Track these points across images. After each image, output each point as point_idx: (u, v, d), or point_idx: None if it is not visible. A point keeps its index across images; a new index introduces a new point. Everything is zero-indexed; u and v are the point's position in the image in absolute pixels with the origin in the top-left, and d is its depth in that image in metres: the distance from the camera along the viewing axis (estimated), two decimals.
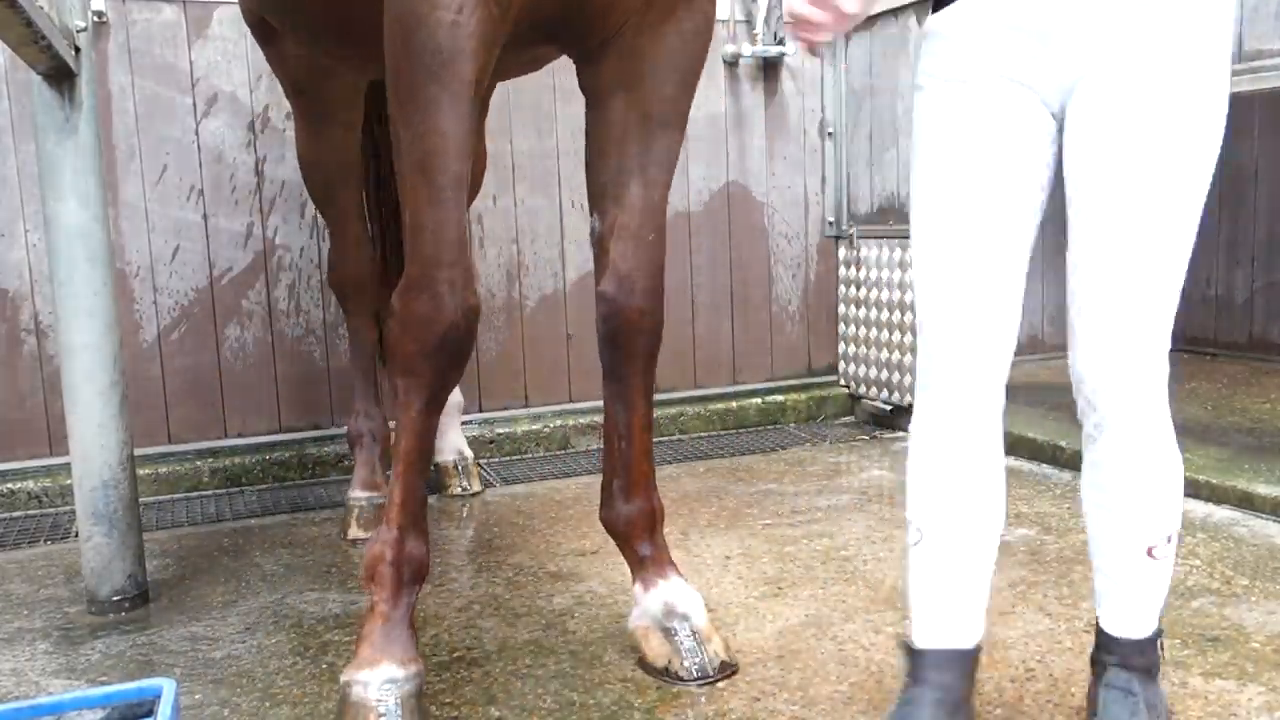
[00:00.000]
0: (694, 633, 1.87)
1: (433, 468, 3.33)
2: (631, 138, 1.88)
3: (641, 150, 1.88)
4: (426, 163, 1.62)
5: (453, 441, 3.21)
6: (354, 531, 2.76)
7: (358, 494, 2.81)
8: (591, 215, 1.96)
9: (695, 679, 1.83)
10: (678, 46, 1.87)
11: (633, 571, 1.96)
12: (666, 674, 1.85)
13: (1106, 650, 1.55)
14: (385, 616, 1.68)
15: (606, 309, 1.88)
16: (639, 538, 1.95)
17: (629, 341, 1.88)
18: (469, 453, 3.23)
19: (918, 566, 1.53)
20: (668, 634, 1.87)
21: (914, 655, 1.53)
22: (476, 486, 3.19)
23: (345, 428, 3.01)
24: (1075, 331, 1.49)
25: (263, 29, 2.60)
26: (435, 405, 1.70)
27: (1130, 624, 1.53)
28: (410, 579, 1.71)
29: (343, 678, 1.67)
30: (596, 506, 2.96)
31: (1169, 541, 1.56)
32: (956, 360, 1.47)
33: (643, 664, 1.90)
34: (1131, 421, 1.53)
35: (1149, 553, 1.53)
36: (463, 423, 3.29)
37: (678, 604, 1.89)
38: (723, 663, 1.86)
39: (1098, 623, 1.57)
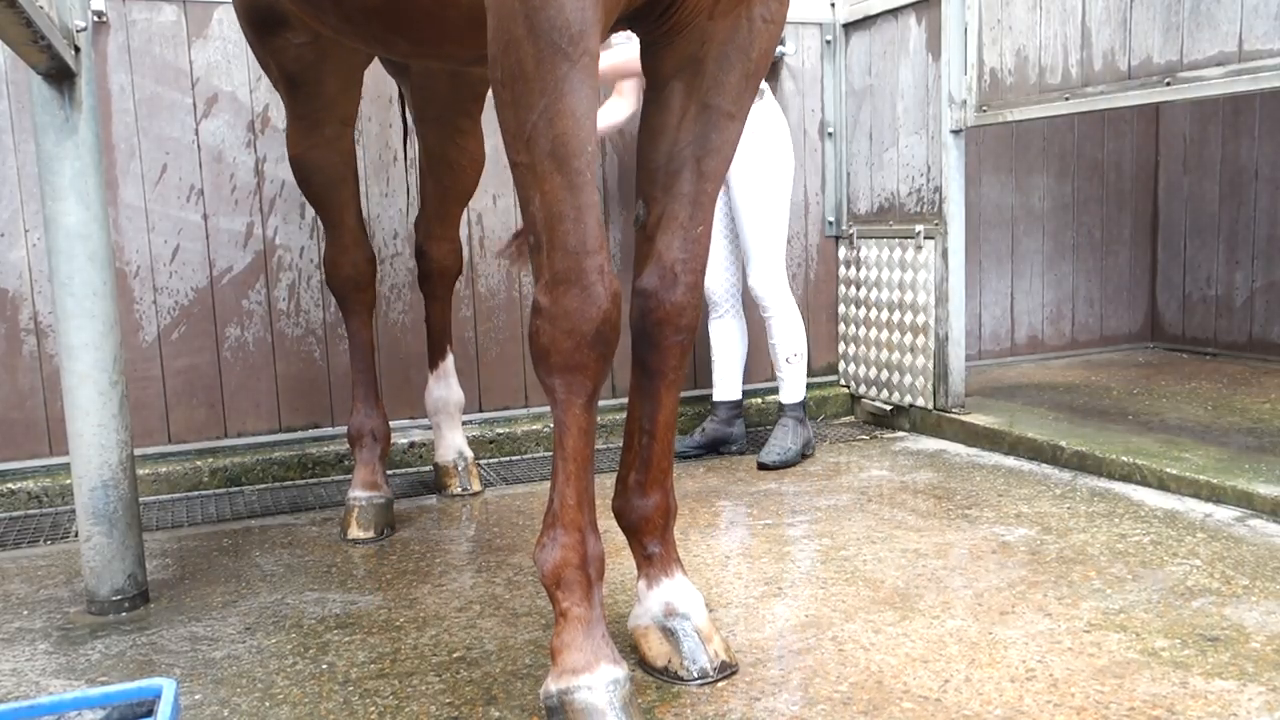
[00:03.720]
0: (695, 632, 1.86)
1: (432, 467, 3.33)
2: (688, 125, 1.82)
3: (698, 139, 1.81)
4: (559, 147, 1.54)
5: (452, 441, 3.21)
6: (354, 531, 2.75)
7: (358, 493, 2.80)
8: (638, 202, 1.89)
9: (695, 679, 1.82)
10: (746, 34, 1.80)
11: (638, 567, 1.95)
12: (666, 673, 1.85)
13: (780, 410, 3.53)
14: (585, 619, 1.65)
15: (645, 302, 1.82)
16: (650, 534, 1.93)
17: (664, 337, 1.83)
18: (469, 453, 3.23)
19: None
20: (668, 633, 1.87)
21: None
22: (476, 486, 3.19)
23: (345, 427, 3.01)
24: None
25: (265, 19, 2.54)
26: (596, 399, 1.65)
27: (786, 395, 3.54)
28: (597, 578, 1.70)
29: (555, 687, 1.60)
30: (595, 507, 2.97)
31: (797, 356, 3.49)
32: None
33: (642, 663, 1.89)
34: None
35: (786, 360, 3.49)
36: (463, 423, 3.29)
37: (679, 603, 1.88)
38: (723, 663, 1.86)
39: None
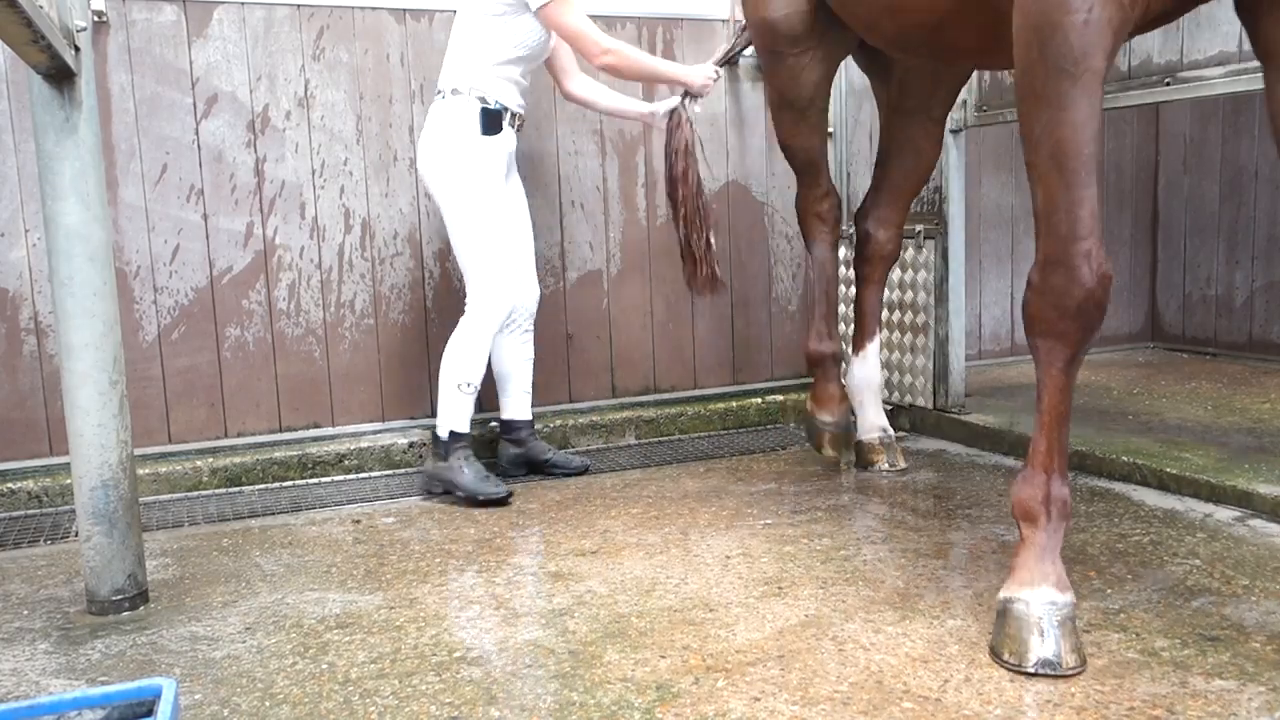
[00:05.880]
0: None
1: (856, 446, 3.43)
2: None
3: None
4: (1059, 151, 1.80)
5: (874, 420, 3.36)
6: (828, 451, 3.29)
7: (824, 417, 3.28)
8: None
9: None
10: None
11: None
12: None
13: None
14: (1041, 547, 1.90)
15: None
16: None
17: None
18: (890, 431, 3.37)
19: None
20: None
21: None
22: (903, 464, 3.32)
23: (348, 427, 2.99)
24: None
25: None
26: (1075, 365, 1.90)
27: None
28: (1058, 516, 1.91)
29: (1002, 595, 1.91)
30: (596, 507, 2.98)
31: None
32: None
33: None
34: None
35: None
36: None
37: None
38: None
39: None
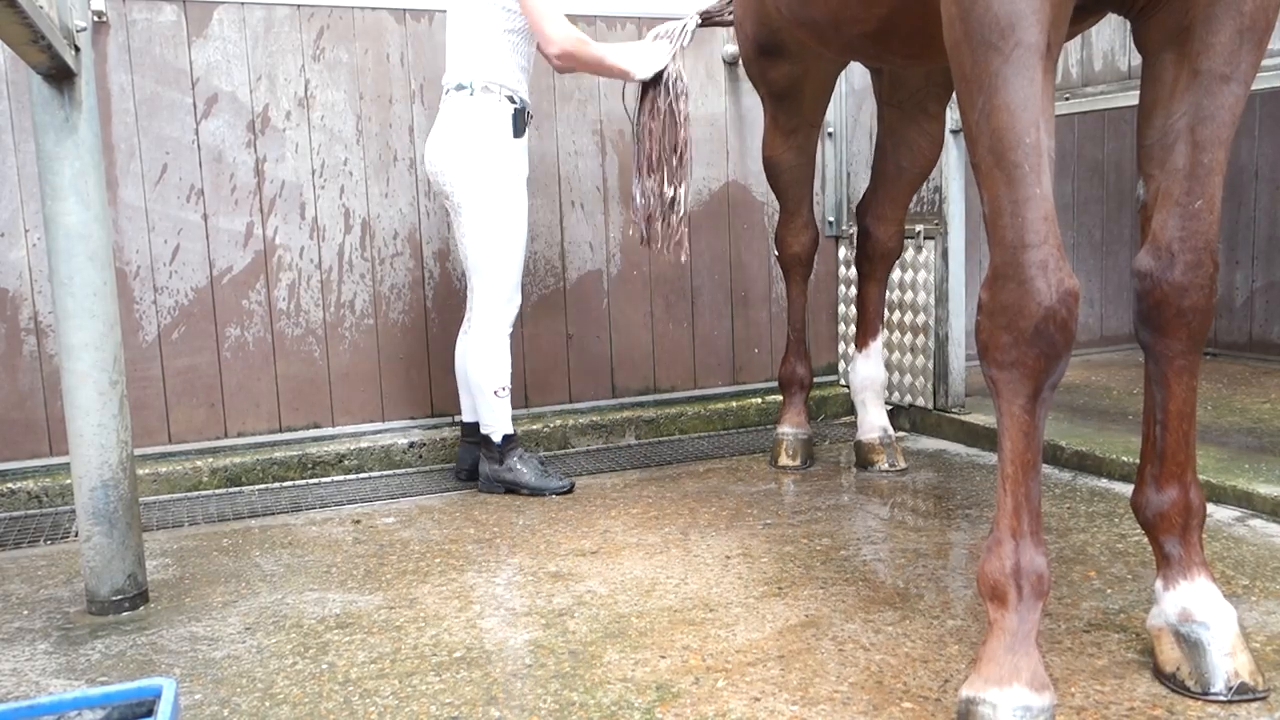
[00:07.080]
0: (1211, 645, 1.70)
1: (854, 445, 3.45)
2: (1179, 96, 1.72)
3: (1190, 109, 1.70)
4: (996, 143, 1.57)
5: (876, 419, 3.38)
6: (784, 460, 3.36)
7: (786, 429, 3.40)
8: (1138, 181, 1.82)
9: (1202, 694, 1.69)
10: None
11: (1156, 566, 1.82)
12: (1174, 681, 1.73)
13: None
14: (1011, 633, 1.58)
15: (1141, 284, 1.73)
16: (1166, 532, 1.79)
17: (1166, 321, 1.72)
18: (892, 430, 3.39)
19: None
20: (1181, 640, 1.73)
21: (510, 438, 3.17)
22: (903, 464, 3.32)
23: (350, 427, 3.00)
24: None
25: (766, 48, 3.07)
26: (1041, 403, 1.60)
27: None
28: (1031, 593, 1.60)
29: (964, 693, 1.58)
30: (596, 507, 2.98)
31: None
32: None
33: (1154, 666, 1.80)
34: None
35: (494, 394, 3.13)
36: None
37: (1196, 610, 1.73)
38: (1241, 685, 1.67)
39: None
